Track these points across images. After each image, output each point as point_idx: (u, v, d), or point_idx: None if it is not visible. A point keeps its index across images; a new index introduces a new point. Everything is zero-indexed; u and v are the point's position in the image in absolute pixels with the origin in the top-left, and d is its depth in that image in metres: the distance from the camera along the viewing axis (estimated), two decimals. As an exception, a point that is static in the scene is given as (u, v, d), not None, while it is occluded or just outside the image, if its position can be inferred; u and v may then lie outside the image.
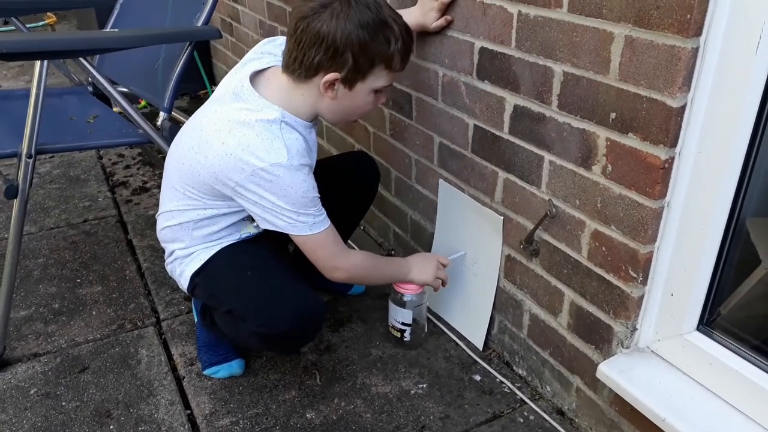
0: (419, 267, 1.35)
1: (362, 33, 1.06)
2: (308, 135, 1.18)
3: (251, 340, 1.26)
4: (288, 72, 1.14)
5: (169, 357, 1.45)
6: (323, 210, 1.17)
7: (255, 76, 1.17)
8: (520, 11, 1.12)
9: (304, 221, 1.14)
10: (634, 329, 1.10)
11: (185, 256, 1.26)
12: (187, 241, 1.24)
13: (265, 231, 1.29)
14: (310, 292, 1.22)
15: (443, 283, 1.39)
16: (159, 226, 1.29)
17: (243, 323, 1.18)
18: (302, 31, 1.07)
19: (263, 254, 1.26)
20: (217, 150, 1.10)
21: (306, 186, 1.11)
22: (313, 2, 1.07)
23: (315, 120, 1.21)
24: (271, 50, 1.25)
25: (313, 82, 1.11)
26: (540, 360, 1.33)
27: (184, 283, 1.28)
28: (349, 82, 1.11)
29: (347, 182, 1.50)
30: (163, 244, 1.31)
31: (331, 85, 1.11)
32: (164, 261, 1.32)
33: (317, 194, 1.15)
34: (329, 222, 1.18)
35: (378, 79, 1.13)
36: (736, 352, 1.03)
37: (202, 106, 1.24)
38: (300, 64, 1.10)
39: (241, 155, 1.07)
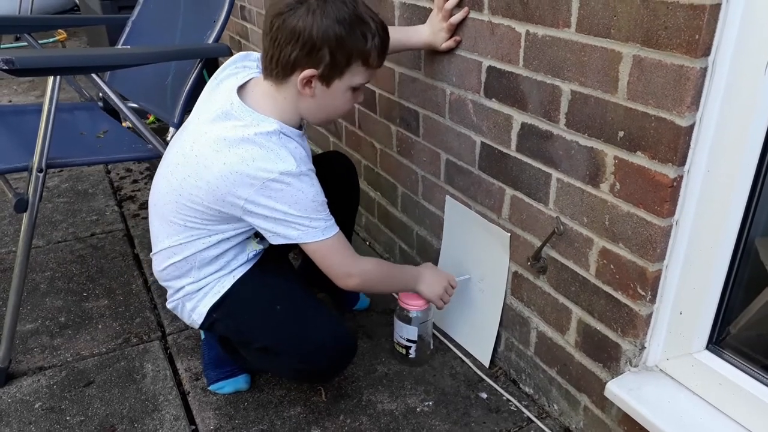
0: (429, 281, 1.34)
1: (339, 28, 1.04)
2: (303, 143, 1.17)
3: (287, 374, 1.29)
4: (266, 74, 1.13)
5: (175, 372, 1.45)
6: (331, 216, 1.16)
7: (240, 91, 1.15)
8: (528, 31, 1.14)
9: (316, 226, 1.12)
10: (643, 348, 1.09)
11: (196, 291, 1.23)
12: (194, 274, 1.22)
13: (271, 250, 1.30)
14: (341, 322, 1.25)
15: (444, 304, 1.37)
16: (159, 265, 1.25)
17: (280, 359, 1.21)
18: (278, 28, 1.06)
19: (284, 283, 1.26)
20: (219, 171, 1.08)
21: (315, 190, 1.11)
22: None
23: (304, 126, 1.21)
24: (247, 64, 1.22)
25: (291, 81, 1.10)
26: (547, 378, 1.32)
27: (197, 319, 1.25)
28: (327, 79, 1.10)
29: (329, 184, 1.48)
30: (165, 284, 1.28)
31: (308, 82, 1.09)
32: (167, 297, 1.30)
33: (325, 198, 1.14)
34: (338, 227, 1.17)
35: (355, 76, 1.12)
36: (746, 372, 1.02)
37: (180, 134, 1.21)
38: (277, 63, 1.08)
39: (247, 171, 1.06)
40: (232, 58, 1.25)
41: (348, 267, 1.20)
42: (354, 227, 1.63)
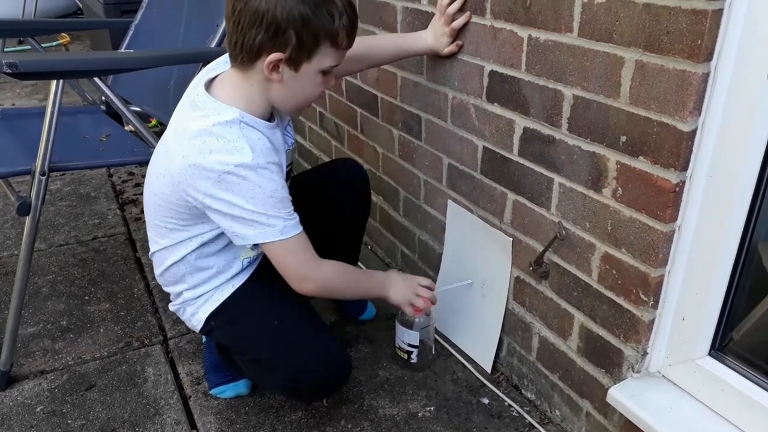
0: (397, 286, 1.29)
1: (303, 8, 0.98)
2: (271, 135, 1.11)
3: (277, 389, 1.28)
4: (233, 62, 1.07)
5: (176, 376, 1.45)
6: (295, 214, 1.11)
7: (209, 84, 1.11)
8: (530, 35, 1.14)
9: (274, 224, 1.07)
10: (645, 353, 1.09)
11: (195, 298, 1.23)
12: (189, 280, 1.21)
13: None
14: (337, 345, 1.23)
15: (420, 310, 1.32)
16: (157, 270, 1.25)
17: (271, 373, 1.20)
18: (240, 11, 1.00)
19: (284, 297, 1.22)
20: (179, 164, 1.04)
21: (274, 185, 1.06)
22: None
23: (277, 118, 1.16)
24: (224, 61, 1.16)
25: (257, 66, 1.04)
26: (549, 383, 1.32)
27: (196, 324, 1.25)
28: (294, 62, 1.04)
29: (337, 196, 1.43)
30: (166, 288, 1.27)
31: (275, 66, 1.03)
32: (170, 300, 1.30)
33: (287, 195, 1.10)
34: (301, 228, 1.11)
35: (324, 58, 1.05)
36: (749, 378, 1.02)
37: (164, 134, 1.19)
38: (241, 48, 1.02)
39: (203, 163, 1.02)
40: (219, 58, 1.21)
41: (304, 270, 1.14)
42: (361, 243, 1.59)
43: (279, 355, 1.18)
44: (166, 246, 1.19)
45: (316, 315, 1.28)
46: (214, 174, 1.02)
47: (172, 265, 1.20)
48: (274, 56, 1.02)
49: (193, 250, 1.18)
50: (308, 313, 1.27)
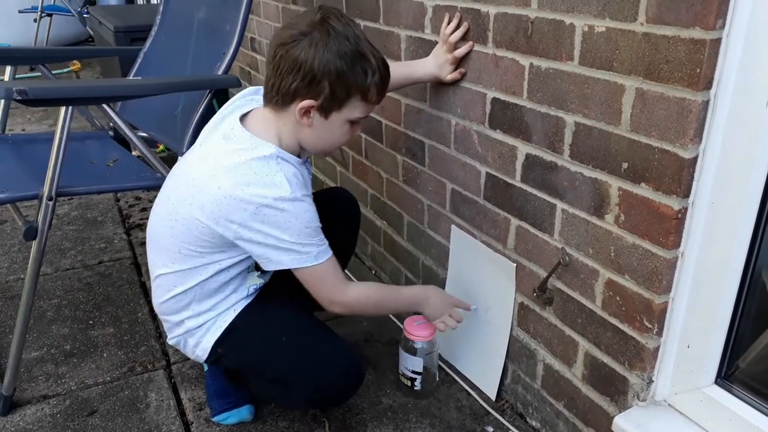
0: (434, 304, 1.34)
1: (340, 63, 1.06)
2: (302, 170, 1.17)
3: (299, 403, 1.31)
4: (267, 101, 1.14)
5: (178, 401, 1.44)
6: (325, 240, 1.16)
7: (242, 119, 1.17)
8: (531, 63, 1.15)
9: (308, 251, 1.12)
10: (651, 381, 1.07)
11: (197, 327, 1.23)
12: (194, 307, 1.21)
13: (272, 281, 1.30)
14: (348, 347, 1.27)
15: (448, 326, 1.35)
16: (158, 298, 1.25)
17: (291, 389, 1.21)
18: (281, 57, 1.07)
19: (287, 313, 1.27)
20: (214, 195, 1.08)
21: (309, 215, 1.11)
22: (293, 30, 1.07)
23: (304, 155, 1.21)
24: (255, 98, 1.23)
25: (290, 109, 1.11)
26: (554, 412, 1.30)
27: (201, 355, 1.25)
28: (325, 110, 1.11)
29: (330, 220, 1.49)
30: (164, 317, 1.27)
31: (306, 112, 1.10)
32: (167, 332, 1.29)
33: (320, 223, 1.14)
34: (331, 252, 1.17)
35: (354, 110, 1.13)
36: (756, 407, 1.00)
37: (180, 161, 1.22)
38: (277, 91, 1.10)
39: (241, 195, 1.06)
40: (242, 92, 1.26)
41: (332, 294, 1.19)
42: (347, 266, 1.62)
43: (299, 370, 1.20)
44: (178, 270, 1.19)
45: (321, 322, 1.31)
46: (252, 206, 1.06)
47: (181, 293, 1.20)
48: (306, 102, 1.09)
49: (207, 278, 1.19)
50: (314, 322, 1.29)
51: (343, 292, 1.20)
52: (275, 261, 1.12)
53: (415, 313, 1.41)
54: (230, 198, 1.07)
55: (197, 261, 1.17)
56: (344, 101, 1.11)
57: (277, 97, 1.11)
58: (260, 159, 1.09)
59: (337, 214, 1.49)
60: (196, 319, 1.22)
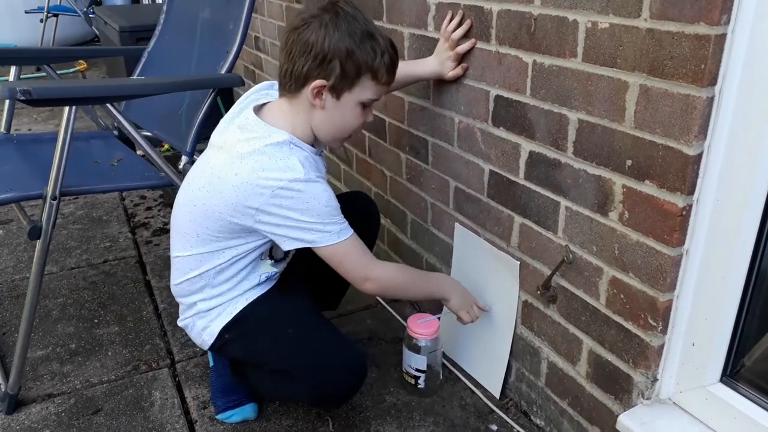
0: (461, 293, 1.34)
1: (349, 41, 1.09)
2: (316, 158, 1.20)
3: (300, 398, 1.30)
4: (281, 90, 1.17)
5: (183, 400, 1.44)
6: (345, 219, 1.17)
7: (257, 110, 1.20)
8: (535, 60, 1.14)
9: (331, 230, 1.14)
10: (655, 379, 1.07)
11: (207, 311, 1.25)
12: (207, 291, 1.24)
13: (285, 276, 1.30)
14: (353, 345, 1.28)
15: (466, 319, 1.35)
16: (175, 279, 1.28)
17: (293, 383, 1.21)
18: (293, 42, 1.11)
19: (298, 306, 1.28)
20: (231, 182, 1.11)
21: (327, 195, 1.13)
22: (304, 14, 1.11)
23: (318, 146, 1.23)
24: (270, 92, 1.27)
25: (303, 93, 1.14)
26: (558, 410, 1.30)
27: (207, 339, 1.27)
28: (337, 91, 1.13)
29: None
30: (179, 299, 1.30)
31: (318, 93, 1.13)
32: (179, 314, 1.31)
33: (338, 203, 1.16)
34: (353, 230, 1.18)
35: (364, 90, 1.14)
36: (762, 405, 1.00)
37: (205, 152, 1.25)
38: (290, 76, 1.13)
39: (257, 181, 1.09)
40: (257, 86, 1.29)
41: (365, 270, 1.20)
42: None
43: (303, 364, 1.20)
44: (194, 254, 1.22)
45: (328, 320, 1.31)
46: (268, 190, 1.09)
47: (196, 276, 1.23)
48: (318, 82, 1.11)
49: (223, 263, 1.21)
50: (322, 319, 1.30)
51: (375, 268, 1.22)
52: (297, 239, 1.14)
53: (419, 311, 1.41)
54: (247, 184, 1.10)
55: (214, 246, 1.20)
56: (355, 80, 1.12)
57: (290, 82, 1.14)
58: (273, 145, 1.12)
59: (359, 214, 1.48)
60: (208, 303, 1.25)
